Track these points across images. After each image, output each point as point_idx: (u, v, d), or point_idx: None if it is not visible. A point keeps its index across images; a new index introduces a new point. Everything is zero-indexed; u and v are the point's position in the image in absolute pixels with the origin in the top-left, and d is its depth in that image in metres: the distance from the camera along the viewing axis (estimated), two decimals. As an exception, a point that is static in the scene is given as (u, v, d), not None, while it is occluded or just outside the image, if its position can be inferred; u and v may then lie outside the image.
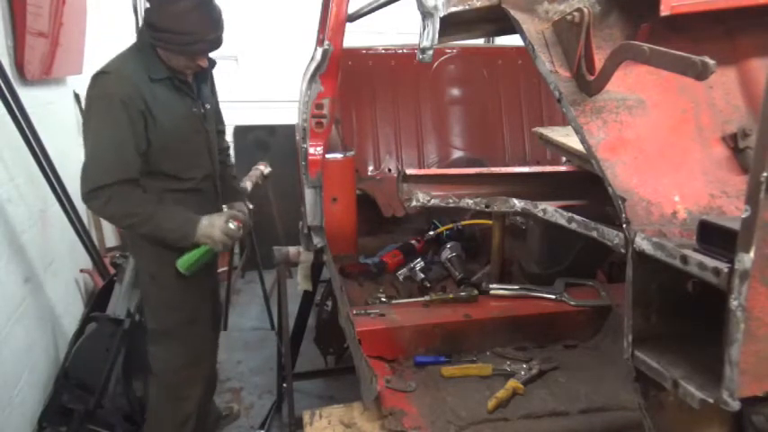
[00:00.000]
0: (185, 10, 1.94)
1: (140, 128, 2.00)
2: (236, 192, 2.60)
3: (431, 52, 1.51)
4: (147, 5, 2.02)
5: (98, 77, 2.01)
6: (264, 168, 4.30)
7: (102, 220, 3.76)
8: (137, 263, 2.43)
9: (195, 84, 2.20)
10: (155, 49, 2.05)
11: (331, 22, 2.33)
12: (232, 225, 2.16)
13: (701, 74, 0.96)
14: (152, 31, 2.00)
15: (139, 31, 2.12)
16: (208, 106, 2.27)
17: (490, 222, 2.49)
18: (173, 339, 2.31)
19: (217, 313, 2.63)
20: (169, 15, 1.96)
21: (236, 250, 4.67)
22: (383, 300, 2.33)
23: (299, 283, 2.74)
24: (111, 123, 1.97)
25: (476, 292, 2.26)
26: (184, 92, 2.14)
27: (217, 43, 2.04)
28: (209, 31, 2.00)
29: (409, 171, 2.17)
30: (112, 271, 3.15)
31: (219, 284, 2.72)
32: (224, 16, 2.05)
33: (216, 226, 2.13)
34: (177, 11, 1.94)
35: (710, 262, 0.92)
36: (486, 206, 2.00)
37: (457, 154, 3.53)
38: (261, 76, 5.08)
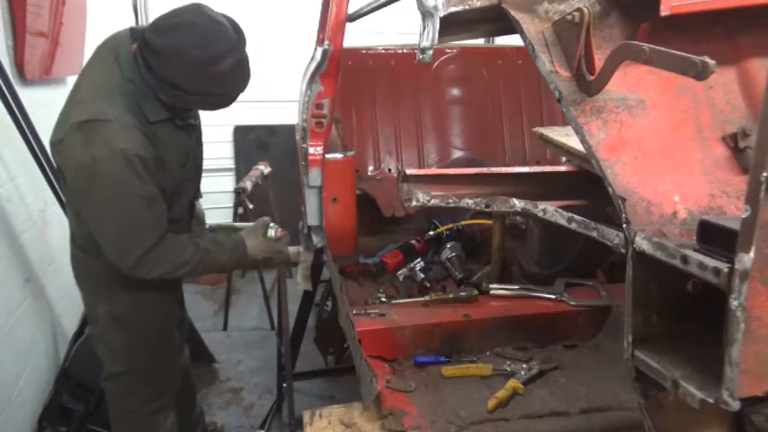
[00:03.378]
0: (224, 72, 1.68)
1: (157, 176, 1.73)
2: (199, 219, 2.34)
3: (431, 52, 1.51)
4: (159, 59, 1.64)
5: (94, 128, 1.62)
6: (264, 168, 4.31)
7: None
8: (93, 303, 2.01)
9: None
10: (150, 87, 1.71)
11: (331, 22, 2.33)
12: (272, 233, 2.07)
13: (700, 74, 0.96)
14: (159, 83, 1.66)
15: (126, 59, 1.73)
16: (197, 124, 2.07)
17: (490, 222, 2.49)
18: (136, 378, 2.06)
19: (183, 326, 2.40)
20: (205, 79, 1.67)
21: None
22: (383, 300, 2.33)
23: (299, 283, 2.73)
24: (135, 183, 1.66)
25: (476, 292, 2.26)
26: (184, 127, 1.89)
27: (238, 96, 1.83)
28: (245, 84, 1.80)
29: (409, 171, 2.17)
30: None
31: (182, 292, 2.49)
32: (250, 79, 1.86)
33: (259, 243, 2.02)
34: (215, 74, 1.66)
35: (710, 262, 0.92)
36: (486, 206, 2.00)
37: (457, 154, 3.52)
38: (261, 76, 5.06)
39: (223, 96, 1.77)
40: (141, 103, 1.71)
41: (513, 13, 1.40)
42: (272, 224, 2.09)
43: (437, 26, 1.47)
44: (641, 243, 1.07)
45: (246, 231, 2.06)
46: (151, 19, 5.14)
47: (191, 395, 2.58)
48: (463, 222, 2.96)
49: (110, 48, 1.80)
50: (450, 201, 2.08)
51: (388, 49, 3.51)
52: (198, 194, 2.20)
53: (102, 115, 1.63)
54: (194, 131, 2.02)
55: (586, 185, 1.78)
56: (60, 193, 2.94)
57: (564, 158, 2.45)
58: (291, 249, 2.77)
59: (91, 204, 1.72)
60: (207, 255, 1.87)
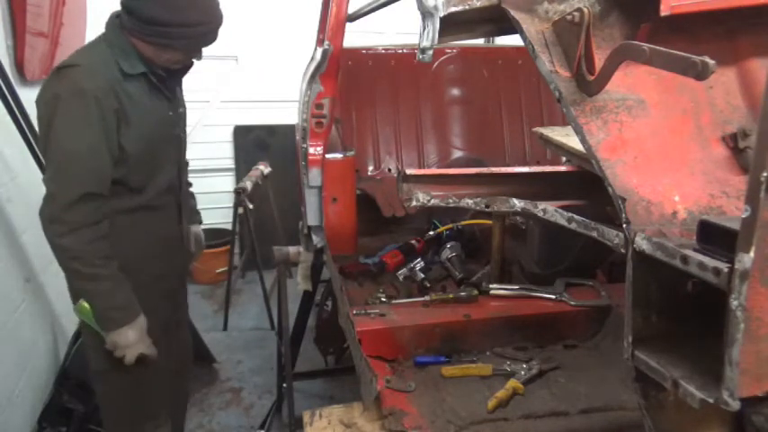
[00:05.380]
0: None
1: (113, 130, 1.74)
2: (195, 213, 2.36)
3: (431, 52, 1.51)
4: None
5: (64, 71, 1.71)
6: (264, 168, 4.32)
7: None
8: (74, 294, 1.95)
9: (170, 82, 1.96)
10: (129, 41, 1.78)
11: (331, 22, 2.33)
12: (148, 351, 1.90)
13: (700, 74, 0.96)
14: (142, 24, 1.73)
15: (110, 22, 1.83)
16: (181, 110, 2.06)
17: (490, 222, 2.49)
18: (117, 378, 1.97)
19: (174, 329, 2.25)
20: (170, 6, 1.72)
21: (237, 250, 4.68)
22: (383, 300, 2.33)
23: (299, 283, 2.74)
24: (84, 123, 1.68)
25: (476, 292, 2.26)
26: (161, 91, 1.89)
27: (216, 34, 1.85)
28: (215, 19, 1.80)
29: (409, 171, 2.17)
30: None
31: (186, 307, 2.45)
32: (225, 21, 1.86)
33: (139, 333, 1.85)
34: (191, 2, 1.73)
35: (710, 262, 0.92)
36: (486, 206, 2.00)
37: (457, 154, 3.53)
38: (261, 76, 5.08)
39: (203, 26, 1.79)
40: (119, 58, 1.77)
41: (513, 13, 1.40)
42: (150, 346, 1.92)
43: (437, 26, 1.47)
44: (641, 243, 1.07)
45: (144, 319, 1.88)
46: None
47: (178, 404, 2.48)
48: (463, 222, 2.96)
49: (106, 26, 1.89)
50: (450, 201, 2.08)
51: (388, 49, 3.51)
52: (184, 181, 2.16)
53: (74, 61, 1.73)
54: (174, 104, 1.99)
55: (586, 185, 1.78)
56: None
57: (564, 158, 2.45)
58: (291, 249, 2.77)
59: (46, 141, 1.73)
60: (107, 286, 1.77)
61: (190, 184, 2.29)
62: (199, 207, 2.42)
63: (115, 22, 1.82)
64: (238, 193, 3.84)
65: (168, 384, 2.23)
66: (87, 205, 1.71)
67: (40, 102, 1.74)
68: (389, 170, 3.41)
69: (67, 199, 1.69)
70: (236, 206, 4.03)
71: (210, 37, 1.83)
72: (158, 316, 2.01)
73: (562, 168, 2.42)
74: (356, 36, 2.85)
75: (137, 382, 1.99)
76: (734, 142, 1.26)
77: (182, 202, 2.10)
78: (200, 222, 2.40)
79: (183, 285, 2.28)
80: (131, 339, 1.83)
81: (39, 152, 1.95)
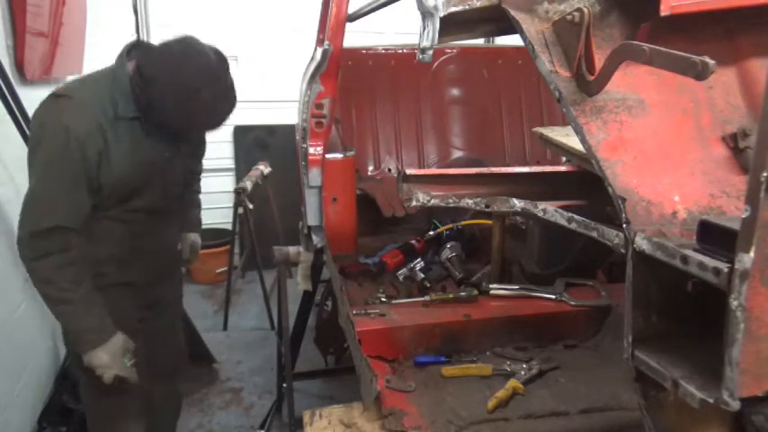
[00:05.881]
0: (204, 101, 1.72)
1: (94, 168, 1.71)
2: (193, 223, 2.33)
3: (431, 52, 1.51)
4: (145, 85, 1.70)
5: (55, 101, 1.71)
6: (264, 168, 4.32)
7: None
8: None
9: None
10: (132, 86, 1.74)
11: (331, 22, 2.33)
12: (127, 362, 1.86)
13: (700, 74, 0.96)
14: (147, 102, 1.72)
15: (122, 54, 1.79)
16: (184, 149, 1.98)
17: (490, 222, 2.49)
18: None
19: (148, 333, 2.11)
20: (186, 109, 1.71)
21: (237, 250, 4.68)
22: (383, 300, 2.33)
23: (299, 283, 2.74)
24: (62, 161, 1.67)
25: (476, 292, 2.26)
26: (154, 135, 1.83)
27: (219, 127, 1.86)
28: (228, 112, 1.82)
29: (409, 171, 2.17)
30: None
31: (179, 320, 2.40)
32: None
33: (112, 353, 1.81)
34: (195, 103, 1.70)
35: (710, 262, 0.92)
36: (486, 206, 2.00)
37: (457, 154, 3.53)
38: (261, 76, 5.08)
39: (207, 122, 1.82)
40: (118, 97, 1.74)
41: (513, 13, 1.40)
42: (128, 357, 1.87)
43: (437, 26, 1.47)
44: (641, 243, 1.07)
45: (120, 338, 1.85)
46: (151, 19, 5.14)
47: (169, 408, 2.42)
48: (463, 222, 2.96)
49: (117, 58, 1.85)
50: (450, 201, 2.08)
51: (388, 49, 3.51)
52: (189, 200, 2.18)
53: (69, 92, 1.72)
54: (175, 144, 1.94)
55: (586, 185, 1.78)
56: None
57: (564, 158, 2.45)
58: (291, 249, 2.77)
59: (29, 165, 1.76)
60: (78, 306, 1.75)
61: (197, 192, 2.31)
62: (199, 207, 2.41)
63: (124, 59, 1.77)
64: (238, 193, 3.84)
65: (152, 388, 2.16)
66: (56, 236, 1.70)
67: (32, 122, 1.78)
68: (389, 170, 3.41)
69: (36, 228, 1.70)
70: (236, 206, 4.04)
71: (217, 125, 1.85)
72: (133, 322, 1.98)
73: (562, 168, 2.42)
74: (356, 36, 2.85)
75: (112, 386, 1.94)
76: (734, 142, 1.26)
77: (165, 215, 2.02)
78: (199, 231, 2.38)
79: (168, 293, 2.20)
80: (105, 361, 1.81)
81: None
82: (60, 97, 1.71)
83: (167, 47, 1.73)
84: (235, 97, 1.85)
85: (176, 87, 1.68)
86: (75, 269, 1.75)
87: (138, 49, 1.82)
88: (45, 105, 1.73)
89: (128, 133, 1.77)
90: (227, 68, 1.82)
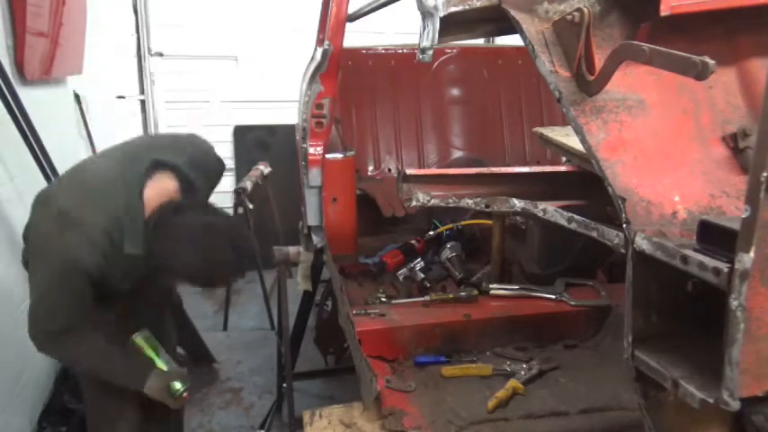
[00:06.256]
0: (218, 280, 1.83)
1: (94, 280, 1.78)
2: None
3: (431, 52, 1.51)
4: (160, 256, 1.75)
5: (67, 224, 1.70)
6: (264, 168, 4.31)
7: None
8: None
9: None
10: (144, 218, 1.76)
11: (331, 22, 2.33)
12: (178, 387, 1.96)
13: (700, 74, 0.96)
14: (166, 274, 1.84)
15: (136, 182, 1.77)
16: None
17: (490, 222, 2.49)
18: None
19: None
20: (199, 281, 1.81)
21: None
22: (383, 300, 2.33)
23: (299, 283, 2.73)
24: (67, 286, 1.74)
25: (476, 292, 2.26)
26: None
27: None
28: (242, 270, 1.85)
29: (409, 171, 2.17)
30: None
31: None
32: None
33: (157, 389, 1.92)
34: (208, 280, 1.82)
35: (710, 262, 0.92)
36: (486, 206, 2.00)
37: (457, 154, 3.53)
38: (261, 76, 5.09)
39: (214, 279, 1.87)
40: (125, 232, 1.76)
41: (513, 13, 1.40)
42: (183, 383, 1.98)
43: (437, 26, 1.47)
44: (641, 243, 1.07)
45: (157, 372, 1.95)
46: (151, 19, 5.14)
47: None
48: (463, 222, 2.96)
49: (132, 159, 1.85)
50: (450, 201, 2.08)
51: (388, 49, 3.51)
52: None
53: (79, 217, 1.72)
54: None
55: (586, 185, 1.78)
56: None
57: (564, 158, 2.45)
58: (291, 249, 2.77)
59: (31, 271, 1.84)
60: (105, 367, 1.89)
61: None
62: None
63: (137, 186, 1.78)
64: (238, 193, 3.84)
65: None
66: (64, 334, 1.80)
67: (37, 235, 1.79)
68: (389, 170, 3.41)
69: (43, 334, 1.82)
70: (236, 206, 4.03)
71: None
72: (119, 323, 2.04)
73: (562, 168, 2.42)
74: (356, 36, 2.85)
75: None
76: (734, 142, 1.26)
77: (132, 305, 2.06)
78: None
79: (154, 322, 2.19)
80: (156, 395, 1.94)
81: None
82: (68, 225, 1.71)
83: (187, 227, 1.73)
84: (245, 267, 1.89)
85: (191, 277, 1.78)
86: (87, 342, 1.85)
87: (154, 168, 1.83)
88: (52, 227, 1.73)
89: (128, 259, 1.80)
90: (253, 252, 1.94)
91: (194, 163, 1.96)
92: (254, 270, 1.98)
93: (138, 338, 1.98)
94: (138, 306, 2.06)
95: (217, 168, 2.20)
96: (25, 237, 1.95)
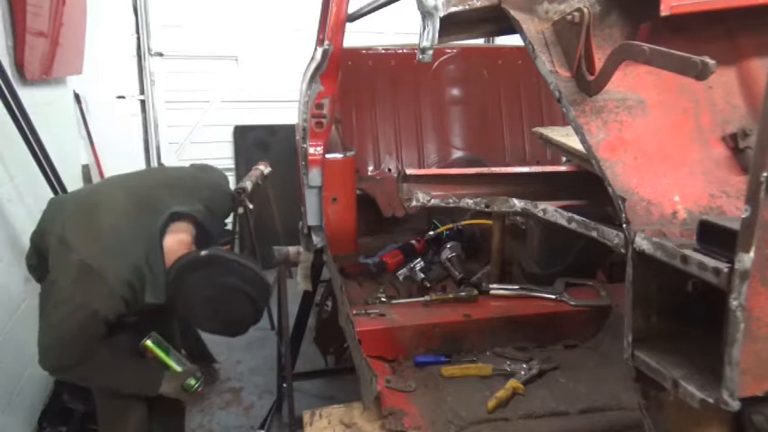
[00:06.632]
0: (241, 316, 1.88)
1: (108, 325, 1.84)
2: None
3: (431, 52, 1.51)
4: (183, 307, 1.87)
5: (89, 275, 1.75)
6: (264, 168, 4.31)
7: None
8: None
9: None
10: (165, 268, 1.84)
11: (331, 22, 2.33)
12: (193, 384, 2.04)
13: (700, 74, 0.96)
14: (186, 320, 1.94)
15: (153, 256, 1.84)
16: None
17: (490, 222, 2.49)
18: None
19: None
20: (218, 332, 1.94)
21: (237, 250, 4.67)
22: (383, 300, 2.33)
23: (299, 283, 2.73)
24: (84, 332, 1.79)
25: (476, 292, 2.26)
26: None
27: None
28: (259, 316, 1.94)
29: (409, 171, 2.17)
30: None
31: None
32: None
33: (172, 387, 2.01)
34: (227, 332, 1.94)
35: (710, 262, 0.91)
36: (486, 206, 2.00)
37: (457, 154, 3.52)
38: (261, 76, 5.09)
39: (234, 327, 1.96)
40: (146, 282, 1.83)
41: (513, 13, 1.40)
42: (196, 378, 2.05)
43: (437, 26, 1.47)
44: (641, 243, 1.07)
45: (169, 374, 2.02)
46: (151, 19, 5.13)
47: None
48: (463, 222, 2.96)
49: (147, 206, 1.91)
50: (451, 201, 2.08)
51: (388, 49, 3.51)
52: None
53: (102, 270, 1.76)
54: None
55: (586, 185, 1.78)
56: (60, 194, 2.95)
57: (564, 158, 2.45)
58: (291, 249, 2.77)
59: (43, 305, 1.86)
60: (120, 381, 1.96)
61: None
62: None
63: (158, 237, 1.86)
64: (238, 193, 3.83)
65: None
66: (69, 367, 1.86)
67: (58, 278, 1.79)
68: (389, 170, 3.41)
69: (55, 368, 1.90)
70: (236, 206, 4.03)
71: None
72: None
73: (562, 168, 2.42)
74: (356, 36, 2.85)
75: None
76: (734, 142, 1.26)
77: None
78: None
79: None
80: (171, 395, 2.02)
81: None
82: (91, 276, 1.74)
83: (206, 287, 1.80)
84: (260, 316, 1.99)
85: (214, 329, 1.93)
86: (99, 362, 1.89)
87: (174, 219, 1.90)
88: (76, 275, 1.75)
89: (147, 305, 1.88)
90: (268, 296, 1.98)
91: (210, 207, 2.06)
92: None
93: (149, 342, 2.01)
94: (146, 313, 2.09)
95: (228, 208, 2.31)
96: (34, 243, 1.98)
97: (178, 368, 2.03)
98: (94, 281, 1.75)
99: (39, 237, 1.96)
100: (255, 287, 1.86)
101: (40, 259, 1.98)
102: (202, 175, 2.28)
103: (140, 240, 1.84)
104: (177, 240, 1.89)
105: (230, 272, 1.84)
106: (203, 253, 1.86)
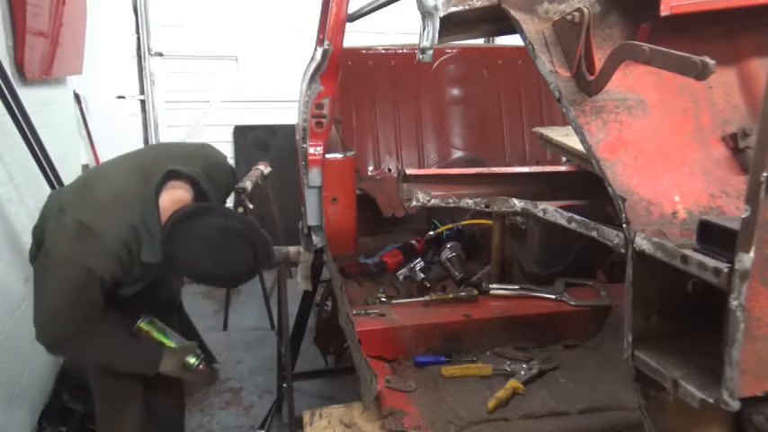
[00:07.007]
0: (236, 281, 1.87)
1: (107, 287, 1.82)
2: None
3: (431, 52, 1.51)
4: (178, 261, 1.79)
5: (84, 233, 1.72)
6: (264, 168, 4.31)
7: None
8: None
9: None
10: (160, 225, 1.79)
11: (331, 22, 2.33)
12: (193, 362, 2.03)
13: (700, 74, 0.95)
14: (184, 274, 1.87)
15: (149, 212, 1.79)
16: None
17: (490, 222, 2.49)
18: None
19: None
20: (216, 282, 1.90)
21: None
22: (383, 300, 2.33)
23: (299, 283, 2.73)
24: (81, 294, 1.76)
25: (476, 292, 2.26)
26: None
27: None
28: (260, 267, 1.88)
29: (409, 171, 2.17)
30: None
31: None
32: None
33: (172, 365, 2.00)
34: (226, 281, 1.91)
35: (710, 262, 0.91)
36: (486, 206, 2.00)
37: (457, 154, 3.52)
38: (261, 76, 5.09)
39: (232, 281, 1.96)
40: (142, 241, 1.78)
41: (513, 13, 1.40)
42: (196, 356, 2.04)
43: (437, 26, 1.47)
44: (641, 243, 1.07)
45: (169, 351, 2.02)
46: (151, 19, 5.14)
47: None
48: (463, 222, 2.96)
49: (145, 170, 1.88)
50: (451, 201, 2.08)
51: (388, 49, 3.51)
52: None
53: (97, 228, 1.73)
54: None
55: (586, 185, 1.78)
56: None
57: (564, 158, 2.45)
58: (291, 249, 2.77)
59: (38, 282, 1.86)
60: (117, 358, 1.94)
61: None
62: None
63: (154, 207, 1.79)
64: (238, 193, 3.83)
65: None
66: (67, 341, 1.84)
67: (51, 241, 1.78)
68: (389, 170, 3.41)
69: (53, 341, 1.85)
70: (236, 206, 4.02)
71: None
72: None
73: (562, 168, 2.42)
74: (356, 36, 2.85)
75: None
76: (734, 142, 1.26)
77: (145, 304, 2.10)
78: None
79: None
80: (173, 373, 2.01)
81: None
82: (86, 235, 1.72)
83: (203, 231, 1.75)
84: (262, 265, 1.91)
85: (210, 278, 1.82)
86: (97, 338, 1.88)
87: (169, 177, 1.85)
88: (70, 238, 1.74)
89: (144, 266, 1.84)
90: (267, 254, 1.89)
91: (209, 174, 2.00)
92: (272, 267, 2.00)
93: (143, 324, 2.00)
94: (146, 305, 2.08)
95: (229, 180, 2.25)
96: (35, 236, 1.95)
97: (175, 345, 2.03)
98: (89, 238, 1.73)
99: (39, 229, 1.94)
100: (253, 232, 1.81)
101: (39, 251, 1.97)
102: (203, 149, 2.25)
103: (137, 201, 1.80)
104: (173, 198, 1.83)
105: (226, 216, 1.82)
106: (197, 204, 1.83)
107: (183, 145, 2.31)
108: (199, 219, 1.77)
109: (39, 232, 1.94)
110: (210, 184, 1.97)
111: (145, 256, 1.79)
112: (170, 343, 2.03)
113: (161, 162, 1.91)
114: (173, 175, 1.87)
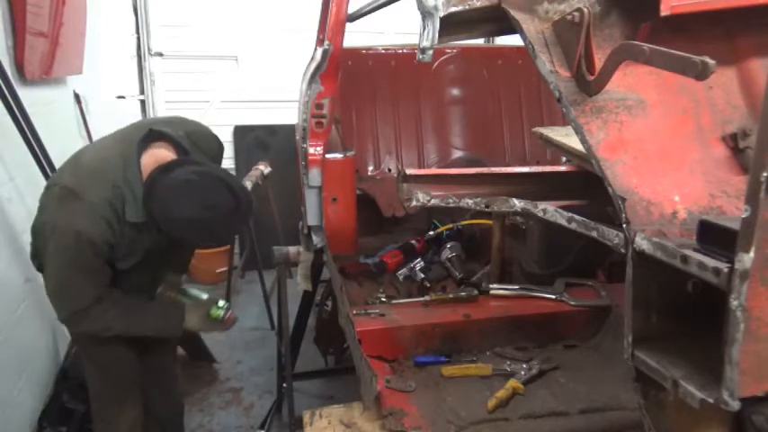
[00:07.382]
0: (217, 231, 1.79)
1: (105, 254, 1.80)
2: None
3: (431, 52, 1.51)
4: (158, 210, 1.74)
5: (68, 198, 1.75)
6: (264, 168, 4.31)
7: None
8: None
9: None
10: (142, 183, 1.77)
11: (331, 22, 2.33)
12: (219, 313, 2.00)
13: (700, 74, 0.96)
14: (164, 229, 1.78)
15: (131, 156, 1.80)
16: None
17: (490, 222, 2.49)
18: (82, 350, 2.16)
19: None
20: (196, 233, 1.78)
21: (237, 250, 4.68)
22: (383, 300, 2.33)
23: (299, 283, 2.73)
24: (78, 259, 1.76)
25: (476, 292, 2.26)
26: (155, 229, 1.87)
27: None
28: (237, 233, 1.84)
29: (409, 171, 2.17)
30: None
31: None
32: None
33: (198, 319, 2.00)
34: (207, 230, 1.76)
35: (710, 262, 0.91)
36: (486, 206, 2.00)
37: (457, 154, 3.53)
38: (261, 76, 5.09)
39: (215, 242, 1.90)
40: (126, 201, 1.78)
41: (513, 13, 1.40)
42: (222, 305, 2.01)
43: (437, 26, 1.47)
44: (641, 243, 1.07)
45: (192, 305, 2.03)
46: (151, 19, 5.14)
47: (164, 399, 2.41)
48: (463, 222, 2.96)
49: (128, 137, 1.88)
50: (451, 201, 2.08)
51: (388, 49, 3.51)
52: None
53: (81, 191, 1.75)
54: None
55: (586, 185, 1.78)
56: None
57: (564, 158, 2.45)
58: (291, 249, 2.77)
59: (45, 258, 1.85)
60: (140, 324, 1.94)
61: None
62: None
63: (135, 165, 1.78)
64: (238, 192, 3.83)
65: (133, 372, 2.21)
66: (87, 313, 1.83)
67: (44, 215, 1.84)
68: (389, 170, 3.41)
69: (69, 313, 1.86)
70: (222, 150, 4.02)
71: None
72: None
73: (562, 168, 2.42)
74: (356, 36, 2.85)
75: (112, 363, 2.08)
76: (734, 142, 1.26)
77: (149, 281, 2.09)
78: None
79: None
80: (198, 328, 2.06)
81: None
82: (71, 198, 1.75)
83: (181, 176, 1.73)
84: (244, 220, 1.91)
85: (191, 225, 1.73)
86: (115, 305, 1.88)
87: (151, 138, 1.85)
88: (55, 204, 1.78)
89: (132, 229, 1.82)
90: (248, 204, 1.84)
91: (191, 138, 1.99)
92: (251, 215, 1.94)
93: (160, 290, 2.03)
94: (150, 285, 2.08)
95: (215, 147, 2.18)
96: (34, 233, 1.96)
97: (201, 296, 2.03)
98: (73, 202, 1.74)
99: (37, 221, 1.94)
100: (231, 178, 1.80)
101: (38, 247, 1.96)
102: (187, 120, 2.20)
103: (118, 161, 1.80)
104: (154, 157, 1.81)
105: (204, 164, 1.81)
106: (178, 158, 1.82)
107: (169, 116, 2.29)
108: (178, 168, 1.75)
109: (36, 224, 1.94)
110: (194, 147, 1.95)
111: (129, 215, 1.78)
112: (193, 293, 2.03)
113: (143, 126, 1.92)
114: (155, 136, 1.87)
